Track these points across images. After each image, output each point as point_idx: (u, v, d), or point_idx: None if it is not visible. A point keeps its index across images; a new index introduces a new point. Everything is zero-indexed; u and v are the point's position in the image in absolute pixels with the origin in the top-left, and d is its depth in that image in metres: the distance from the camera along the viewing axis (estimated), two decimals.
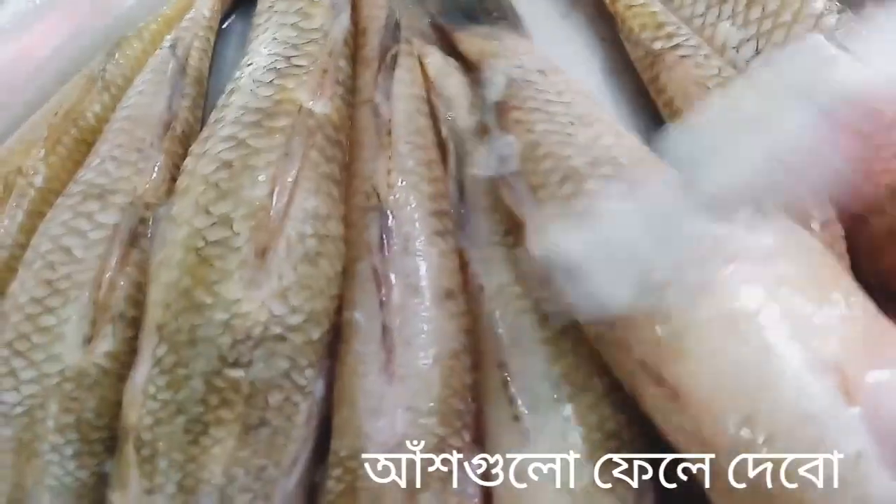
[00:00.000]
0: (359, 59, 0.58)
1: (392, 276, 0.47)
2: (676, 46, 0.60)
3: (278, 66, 0.54)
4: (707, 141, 0.44)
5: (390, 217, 0.49)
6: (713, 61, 0.58)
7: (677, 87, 0.58)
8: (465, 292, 0.49)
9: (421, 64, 0.59)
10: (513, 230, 0.50)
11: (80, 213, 0.52)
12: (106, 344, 0.48)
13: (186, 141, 0.58)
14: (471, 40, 0.60)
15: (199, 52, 0.66)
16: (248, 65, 0.55)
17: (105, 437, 0.46)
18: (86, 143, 0.60)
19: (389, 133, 0.53)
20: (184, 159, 0.54)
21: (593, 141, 0.50)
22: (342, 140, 0.53)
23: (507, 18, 0.62)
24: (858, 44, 0.45)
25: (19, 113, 0.63)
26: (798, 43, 0.47)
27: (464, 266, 0.50)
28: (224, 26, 0.71)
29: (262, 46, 0.56)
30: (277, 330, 0.45)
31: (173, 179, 0.53)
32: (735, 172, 0.42)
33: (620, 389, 0.44)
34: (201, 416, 0.43)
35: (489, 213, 0.52)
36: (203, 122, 0.62)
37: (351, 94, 0.56)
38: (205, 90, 0.65)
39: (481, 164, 0.52)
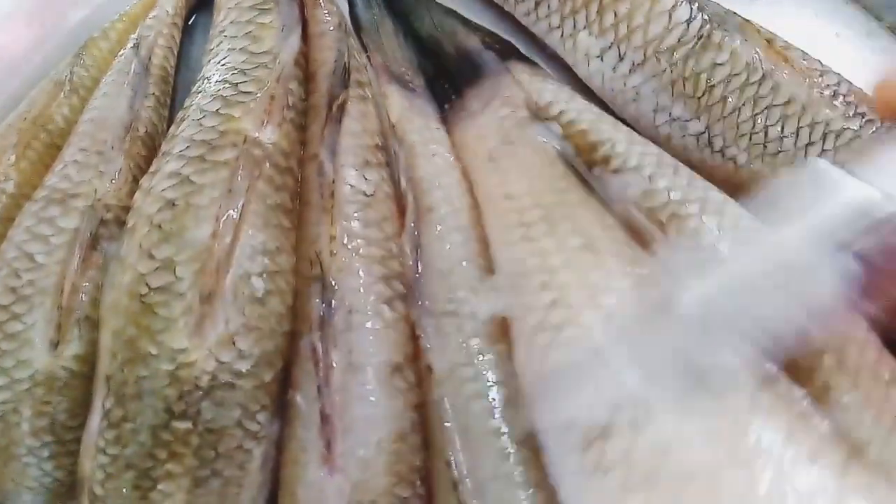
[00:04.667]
0: (309, 107, 0.53)
1: (332, 355, 0.44)
2: None
3: (225, 94, 0.50)
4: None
5: (333, 289, 0.45)
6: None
7: None
8: (414, 362, 0.45)
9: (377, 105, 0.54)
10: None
11: (42, 219, 0.50)
12: (73, 347, 0.47)
13: (151, 141, 0.57)
14: None
15: (164, 50, 0.63)
16: (198, 92, 0.52)
17: (80, 437, 0.45)
18: (56, 147, 0.57)
19: (333, 195, 0.48)
20: (148, 160, 0.53)
21: None
22: (293, 166, 0.50)
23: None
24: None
25: None
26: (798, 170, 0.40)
27: (415, 335, 0.46)
28: (191, 21, 0.67)
29: (212, 72, 0.53)
30: (226, 378, 0.43)
31: (135, 181, 0.52)
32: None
33: None
34: (150, 470, 0.42)
35: (447, 275, 0.47)
36: (170, 119, 0.60)
37: (304, 115, 0.52)
38: (171, 88, 0.63)
39: None
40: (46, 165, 0.56)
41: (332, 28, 0.56)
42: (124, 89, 0.58)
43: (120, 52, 0.62)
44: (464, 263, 0.47)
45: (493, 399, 0.43)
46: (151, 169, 0.49)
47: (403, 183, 0.50)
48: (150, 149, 0.56)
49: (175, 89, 0.63)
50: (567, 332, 0.42)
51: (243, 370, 0.43)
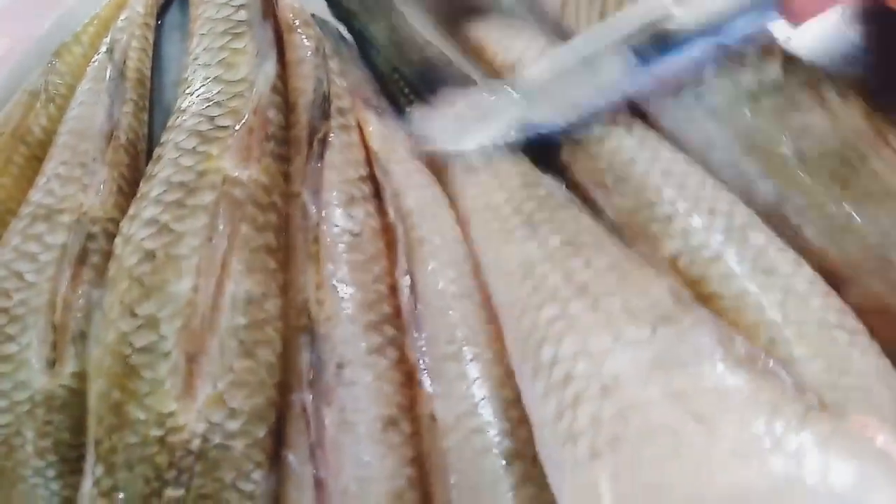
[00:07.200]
0: (291, 139, 0.50)
1: (324, 414, 0.41)
2: None
3: (201, 129, 0.47)
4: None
5: (321, 341, 0.43)
6: None
7: None
8: (410, 411, 0.43)
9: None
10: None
11: (29, 236, 0.49)
12: (70, 365, 0.45)
13: (133, 148, 0.55)
14: None
15: (138, 52, 0.60)
16: (174, 127, 0.49)
17: (84, 454, 0.44)
18: (37, 160, 0.56)
19: (317, 239, 0.45)
20: (131, 168, 0.53)
21: None
22: (276, 201, 0.47)
23: None
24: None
25: None
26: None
27: (411, 379, 0.43)
28: (162, 21, 0.64)
29: (187, 104, 0.50)
30: (218, 439, 0.41)
31: (120, 191, 0.51)
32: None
33: None
34: None
35: (444, 314, 0.44)
36: (151, 123, 0.59)
37: (285, 143, 0.49)
38: (148, 91, 0.60)
39: None
40: (29, 179, 0.54)
41: (309, 54, 0.53)
42: (101, 97, 0.57)
43: (93, 57, 0.60)
44: (461, 301, 0.44)
45: (501, 454, 0.40)
46: (130, 212, 0.46)
47: (392, 214, 0.47)
48: (132, 156, 0.55)
49: (152, 92, 0.61)
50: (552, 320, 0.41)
51: (235, 429, 0.41)
